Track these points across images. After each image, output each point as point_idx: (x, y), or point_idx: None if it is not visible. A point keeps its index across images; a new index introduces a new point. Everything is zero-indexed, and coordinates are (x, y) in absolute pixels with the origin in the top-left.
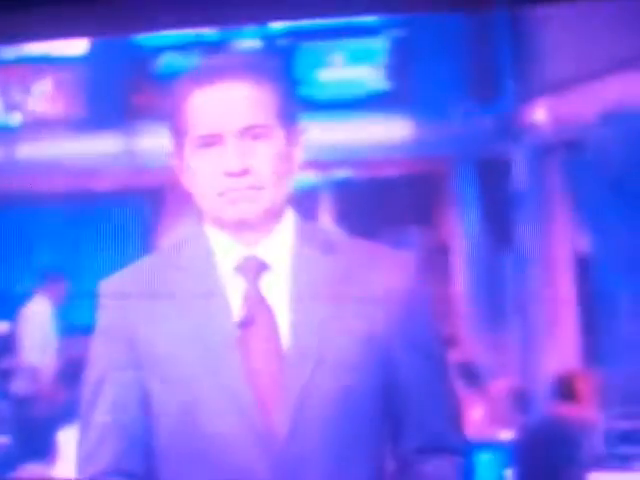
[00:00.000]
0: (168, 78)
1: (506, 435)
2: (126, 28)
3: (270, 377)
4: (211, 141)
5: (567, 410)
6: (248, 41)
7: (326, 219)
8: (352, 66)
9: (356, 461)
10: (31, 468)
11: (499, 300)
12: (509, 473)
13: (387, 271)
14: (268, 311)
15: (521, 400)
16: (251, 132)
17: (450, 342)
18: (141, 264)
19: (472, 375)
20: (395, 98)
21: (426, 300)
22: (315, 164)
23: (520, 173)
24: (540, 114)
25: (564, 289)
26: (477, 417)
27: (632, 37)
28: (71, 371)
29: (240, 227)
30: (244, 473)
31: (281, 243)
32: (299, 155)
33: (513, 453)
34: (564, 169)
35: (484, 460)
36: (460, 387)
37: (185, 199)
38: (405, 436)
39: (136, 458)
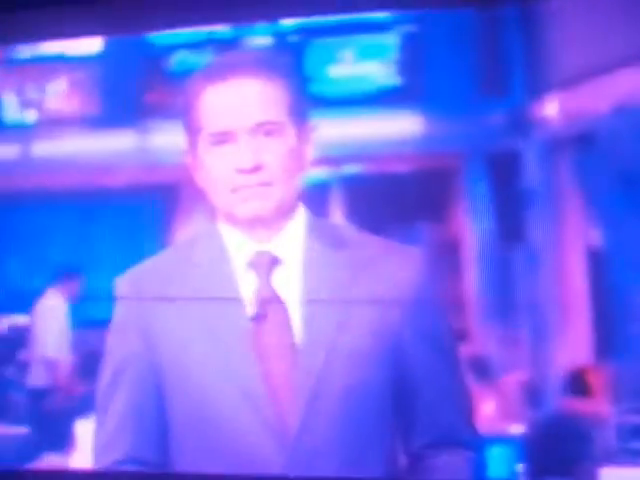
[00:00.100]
0: (181, 76)
1: (517, 430)
2: (139, 27)
3: (283, 370)
4: (224, 138)
5: (579, 405)
6: (259, 38)
7: (337, 215)
8: (363, 62)
9: (367, 452)
10: (49, 458)
11: (510, 295)
12: (520, 468)
13: (397, 266)
14: (280, 305)
15: (533, 394)
16: (263, 128)
17: (461, 336)
18: (155, 260)
19: (483, 369)
20: (406, 94)
21: (436, 295)
22: (326, 160)
23: (531, 168)
24: (551, 109)
25: (576, 283)
26: (488, 411)
27: None
28: (87, 364)
29: (252, 224)
30: (257, 463)
31: (293, 239)
32: (310, 152)
33: (524, 448)
34: (575, 164)
35: (495, 454)
36: (471, 381)
37: (199, 196)
38: (416, 431)
39: (152, 447)
